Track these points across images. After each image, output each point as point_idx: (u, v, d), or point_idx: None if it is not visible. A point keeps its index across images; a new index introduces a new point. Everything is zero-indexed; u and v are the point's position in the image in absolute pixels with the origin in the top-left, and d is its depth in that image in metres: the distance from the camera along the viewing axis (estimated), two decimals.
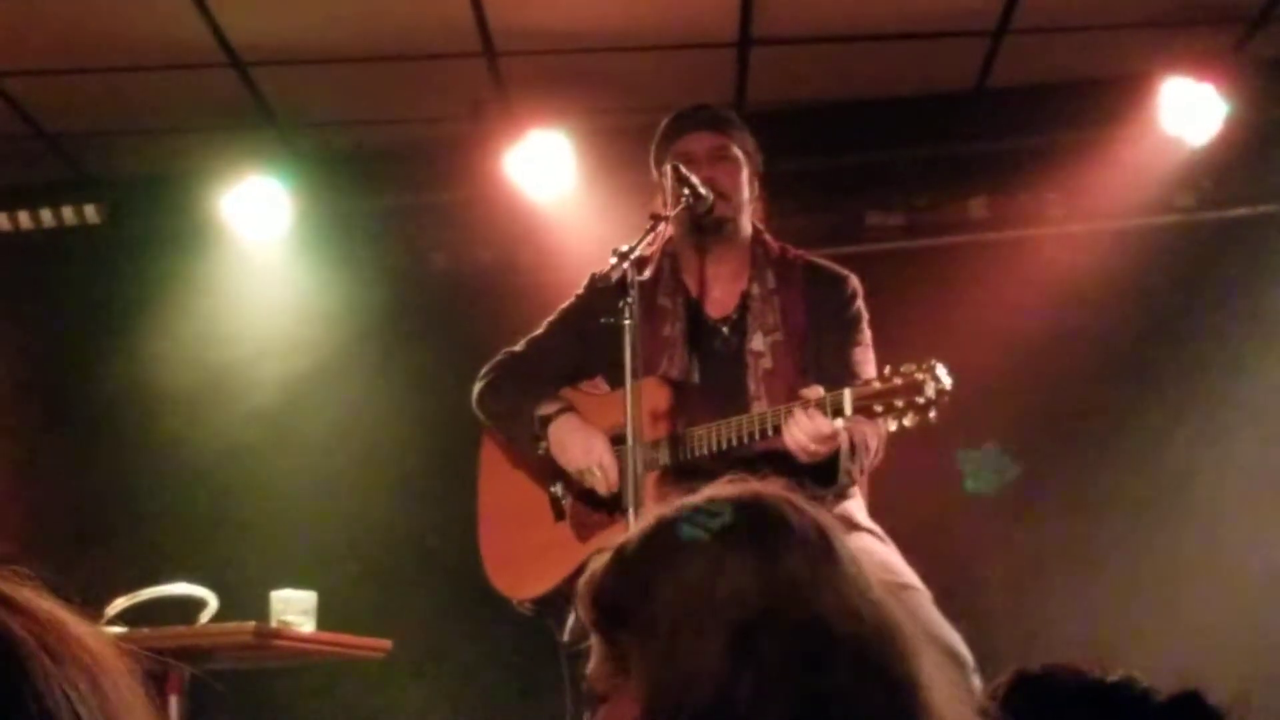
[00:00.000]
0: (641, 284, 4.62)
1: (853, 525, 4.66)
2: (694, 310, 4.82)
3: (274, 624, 5.16)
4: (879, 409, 4.23)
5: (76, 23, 6.52)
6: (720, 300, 4.82)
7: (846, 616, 1.90)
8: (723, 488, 2.04)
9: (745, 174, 4.82)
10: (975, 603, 6.66)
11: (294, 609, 5.24)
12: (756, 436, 4.42)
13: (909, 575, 4.62)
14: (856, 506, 4.72)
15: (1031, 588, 7.15)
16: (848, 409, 4.26)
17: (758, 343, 4.71)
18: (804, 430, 4.28)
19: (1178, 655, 6.33)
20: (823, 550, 1.95)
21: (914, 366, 4.21)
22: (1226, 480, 7.05)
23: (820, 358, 4.62)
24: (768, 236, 4.91)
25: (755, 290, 4.78)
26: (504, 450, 5.01)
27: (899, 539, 4.75)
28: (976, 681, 4.39)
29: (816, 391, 4.31)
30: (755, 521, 1.97)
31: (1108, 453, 7.22)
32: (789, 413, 4.31)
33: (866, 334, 4.79)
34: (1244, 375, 7.14)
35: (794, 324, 4.72)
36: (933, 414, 4.18)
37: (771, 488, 2.05)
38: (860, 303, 4.83)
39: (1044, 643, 6.68)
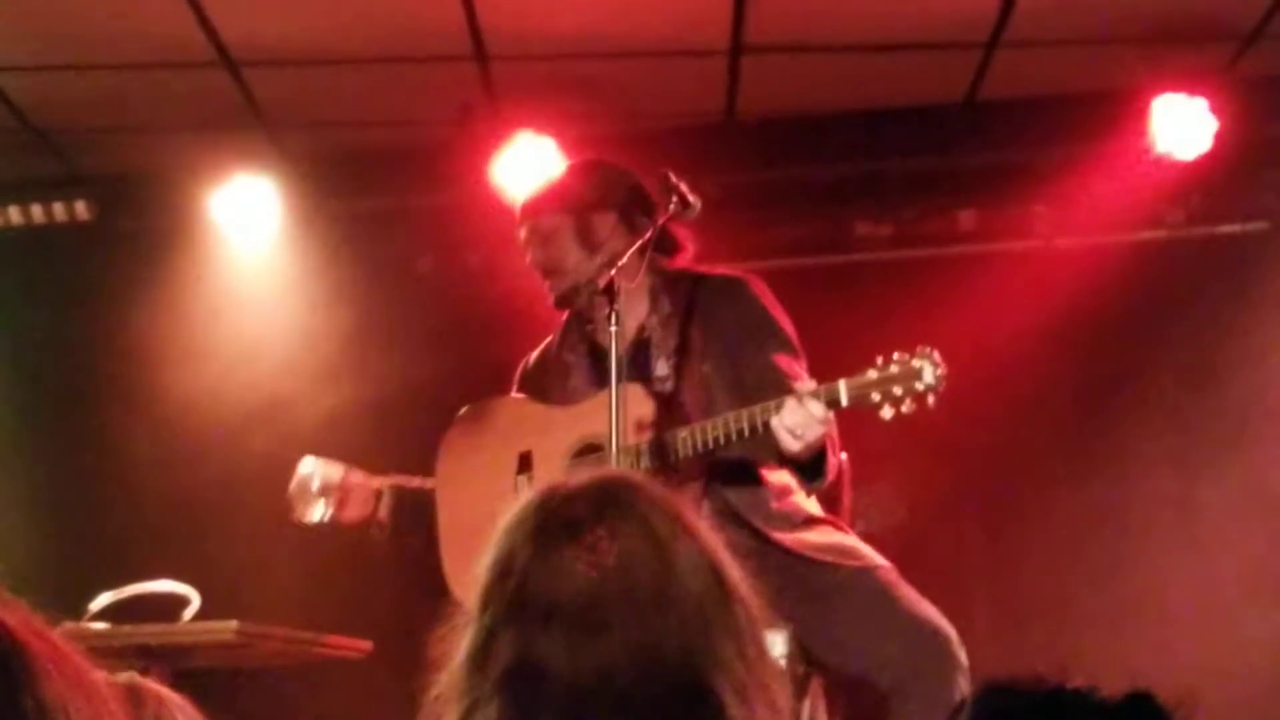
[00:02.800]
0: (547, 346, 4.94)
1: (808, 519, 4.64)
2: (596, 353, 4.82)
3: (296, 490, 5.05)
4: (876, 397, 4.15)
5: (70, 20, 6.52)
6: (622, 334, 4.80)
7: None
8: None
9: (569, 234, 4.79)
10: (957, 618, 6.67)
11: (314, 481, 5.03)
12: (745, 433, 4.36)
13: (873, 556, 4.60)
14: (804, 501, 4.67)
15: (1014, 604, 7.16)
16: (843, 399, 4.20)
17: (661, 368, 4.69)
18: (796, 416, 4.20)
19: (1157, 665, 6.34)
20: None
21: (907, 355, 4.16)
22: (1212, 496, 7.06)
23: (741, 369, 4.58)
24: (663, 261, 4.83)
25: (654, 320, 4.77)
26: (463, 466, 5.00)
27: (879, 541, 4.75)
28: (961, 656, 4.40)
29: (810, 384, 4.28)
30: None
31: (1092, 467, 7.23)
32: (779, 405, 4.30)
33: (784, 333, 4.71)
34: (1232, 391, 7.15)
35: (690, 340, 4.68)
36: (931, 400, 4.14)
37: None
38: (764, 299, 4.76)
39: (1025, 659, 6.68)
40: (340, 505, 4.92)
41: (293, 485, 4.99)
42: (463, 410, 5.05)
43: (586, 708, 1.91)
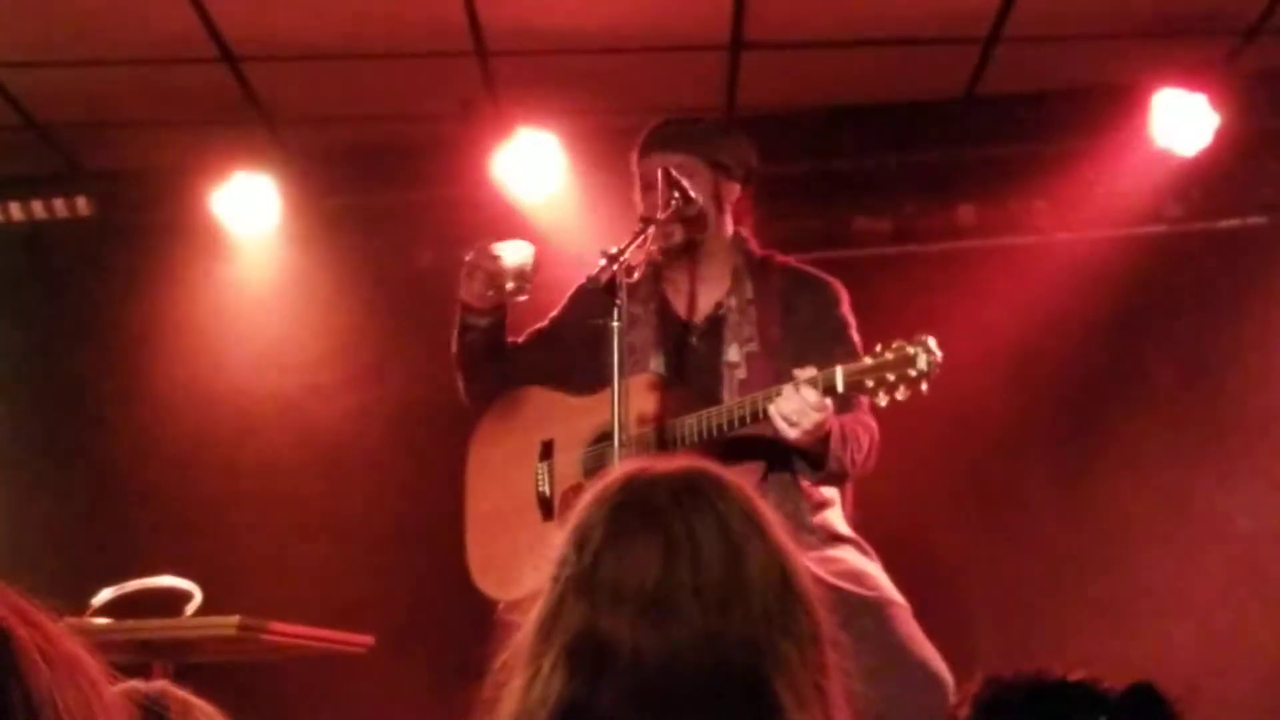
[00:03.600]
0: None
1: (834, 537, 4.66)
2: (668, 316, 4.82)
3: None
4: (871, 384, 4.23)
5: (70, 14, 6.52)
6: (696, 306, 4.82)
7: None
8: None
9: (705, 185, 4.78)
10: (957, 614, 6.68)
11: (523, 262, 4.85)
12: (747, 420, 4.41)
13: (889, 590, 4.61)
14: (836, 517, 4.71)
15: (1014, 600, 7.16)
16: (839, 385, 4.26)
17: (733, 354, 4.70)
18: (791, 403, 4.27)
19: (1158, 659, 6.34)
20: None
21: (903, 341, 4.23)
22: (1213, 489, 7.06)
23: (803, 365, 4.60)
24: (752, 243, 4.89)
25: (733, 301, 4.78)
26: (491, 455, 5.02)
27: (880, 551, 4.76)
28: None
29: (808, 371, 4.32)
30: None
31: (1092, 462, 7.23)
32: (778, 392, 4.32)
33: (854, 341, 4.73)
34: (1232, 385, 7.15)
35: (770, 333, 4.71)
36: (924, 386, 4.20)
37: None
38: (845, 309, 4.80)
39: (1025, 654, 6.68)
40: (506, 291, 4.78)
41: (518, 249, 4.82)
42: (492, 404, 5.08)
43: (648, 688, 1.95)
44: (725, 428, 4.46)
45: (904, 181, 7.48)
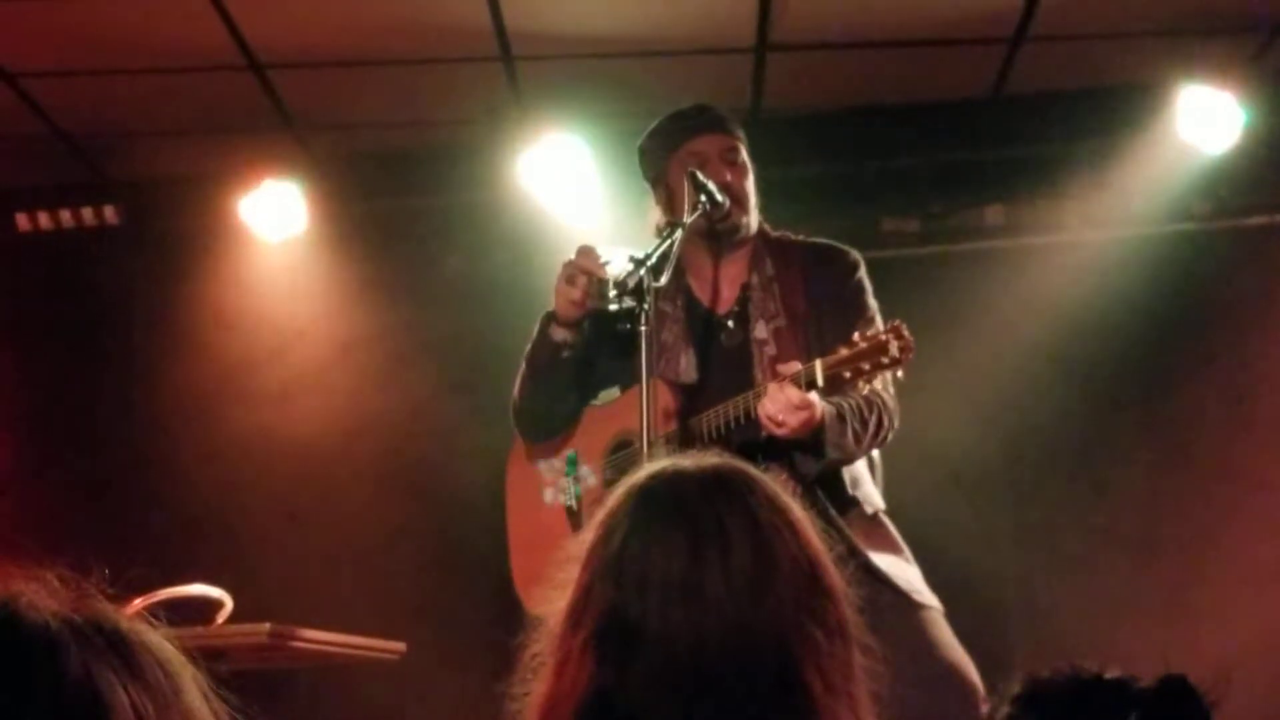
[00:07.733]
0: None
1: (877, 514, 4.67)
2: (696, 310, 4.82)
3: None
4: (848, 374, 4.27)
5: (97, 25, 6.53)
6: (724, 296, 4.83)
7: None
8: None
9: (752, 175, 4.84)
10: (989, 616, 6.65)
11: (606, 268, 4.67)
12: (742, 419, 4.43)
13: (925, 592, 4.61)
14: (871, 491, 4.70)
15: (1047, 601, 7.14)
16: (819, 379, 4.29)
17: (761, 331, 4.71)
18: (774, 402, 4.30)
19: (1191, 656, 6.31)
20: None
21: (878, 329, 4.32)
22: (1242, 489, 7.04)
23: (824, 336, 4.61)
24: (766, 226, 4.91)
25: (754, 280, 4.79)
26: (525, 472, 5.02)
27: (908, 540, 4.76)
28: (984, 709, 4.37)
29: (791, 367, 4.34)
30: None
31: (1120, 459, 7.21)
32: (765, 390, 4.35)
33: (871, 307, 4.76)
34: (1262, 382, 7.13)
35: (795, 307, 4.73)
36: (900, 372, 4.27)
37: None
38: (861, 276, 4.82)
39: (1054, 647, 6.66)
40: (605, 301, 4.52)
41: (621, 258, 4.56)
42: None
43: (676, 672, 1.96)
44: (723, 428, 4.48)
45: (931, 182, 7.48)
